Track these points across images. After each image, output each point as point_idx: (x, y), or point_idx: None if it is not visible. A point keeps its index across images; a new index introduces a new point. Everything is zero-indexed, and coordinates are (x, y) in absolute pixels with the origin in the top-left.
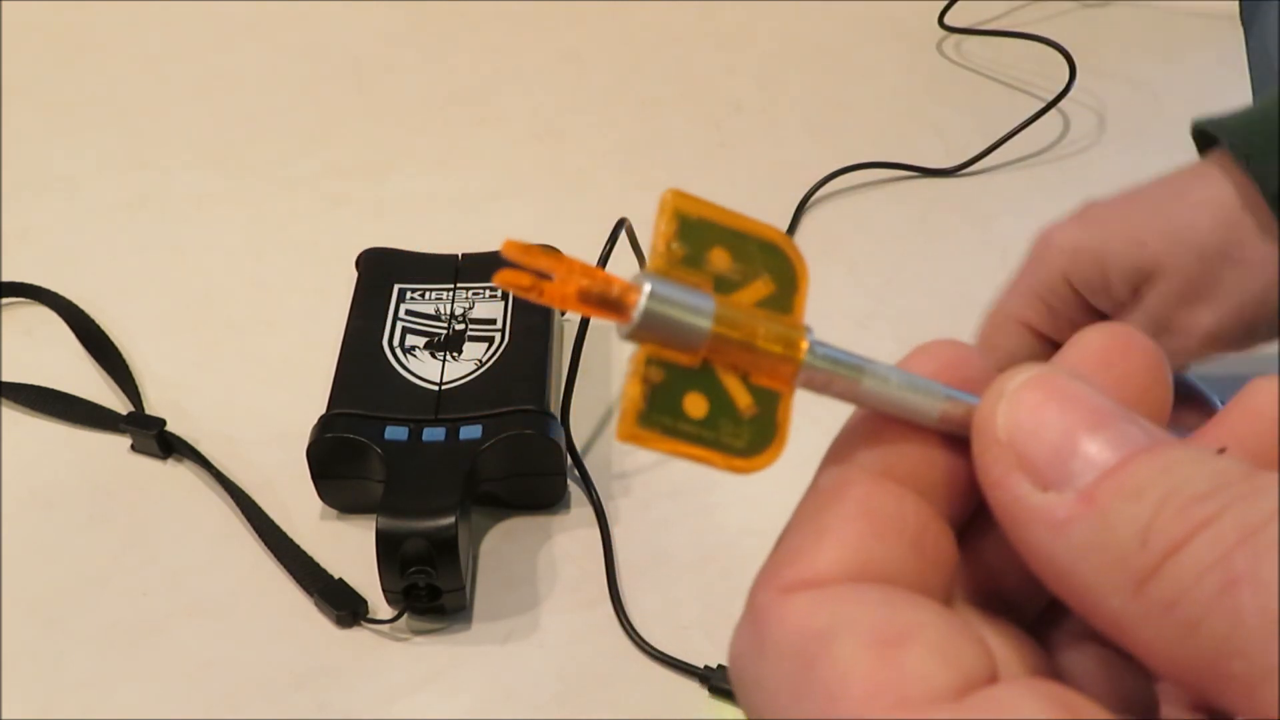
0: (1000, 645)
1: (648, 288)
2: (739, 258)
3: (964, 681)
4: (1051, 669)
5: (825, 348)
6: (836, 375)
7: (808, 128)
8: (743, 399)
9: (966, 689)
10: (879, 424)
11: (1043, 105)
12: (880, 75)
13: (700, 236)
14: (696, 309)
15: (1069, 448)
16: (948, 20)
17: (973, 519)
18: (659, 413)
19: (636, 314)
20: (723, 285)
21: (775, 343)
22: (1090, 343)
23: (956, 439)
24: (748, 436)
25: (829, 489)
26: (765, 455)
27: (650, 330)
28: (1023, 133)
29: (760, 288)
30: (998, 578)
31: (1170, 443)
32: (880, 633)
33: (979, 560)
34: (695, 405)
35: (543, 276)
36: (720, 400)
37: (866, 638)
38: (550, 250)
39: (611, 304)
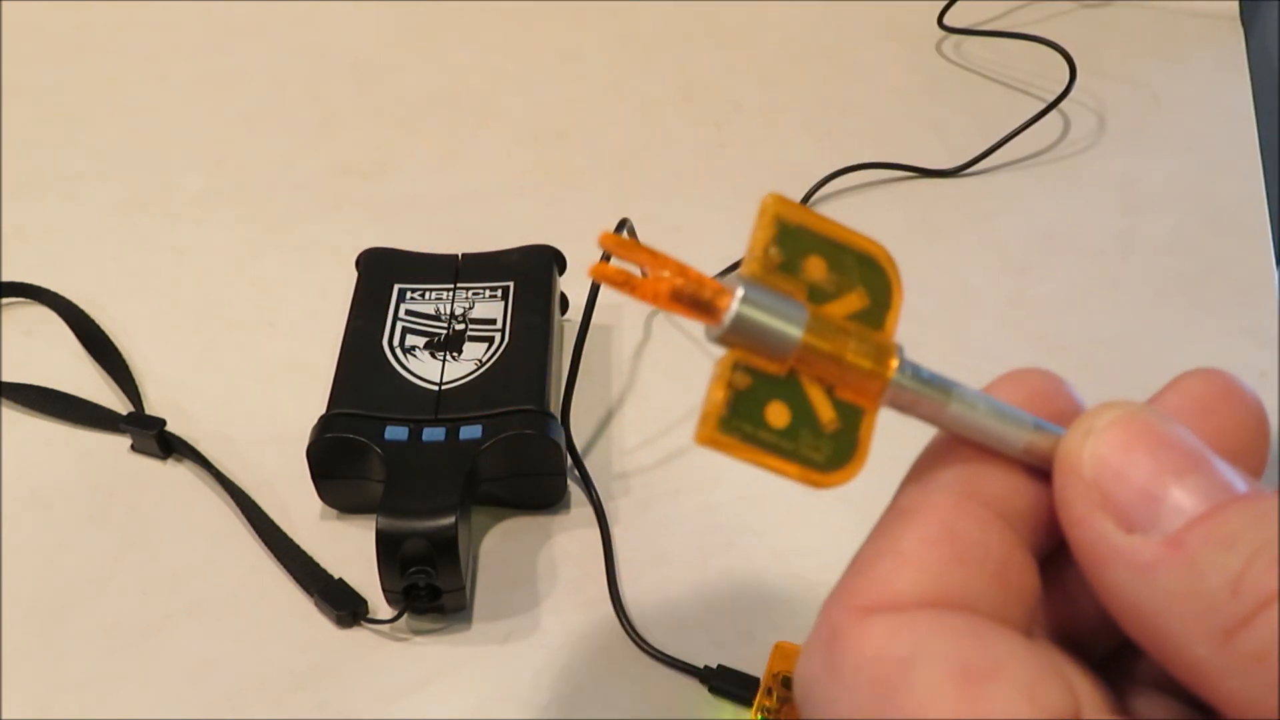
0: (1078, 683)
1: (740, 292)
2: (835, 268)
3: None
4: (1120, 709)
5: (915, 367)
6: (923, 396)
7: (808, 128)
8: (826, 412)
9: None
10: (964, 446)
11: (1043, 106)
12: (880, 75)
13: (798, 244)
14: (788, 317)
15: (1157, 491)
16: (947, 21)
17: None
18: (740, 419)
19: (727, 318)
20: (816, 295)
21: (865, 358)
22: (1191, 388)
23: (1043, 470)
24: (828, 450)
25: (911, 509)
26: (844, 471)
27: (739, 335)
28: (1023, 133)
29: (854, 301)
30: (1068, 616)
31: (1263, 493)
32: (965, 665)
33: (1051, 597)
34: (777, 414)
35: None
36: (803, 411)
37: (951, 669)
38: (647, 247)
39: (703, 305)
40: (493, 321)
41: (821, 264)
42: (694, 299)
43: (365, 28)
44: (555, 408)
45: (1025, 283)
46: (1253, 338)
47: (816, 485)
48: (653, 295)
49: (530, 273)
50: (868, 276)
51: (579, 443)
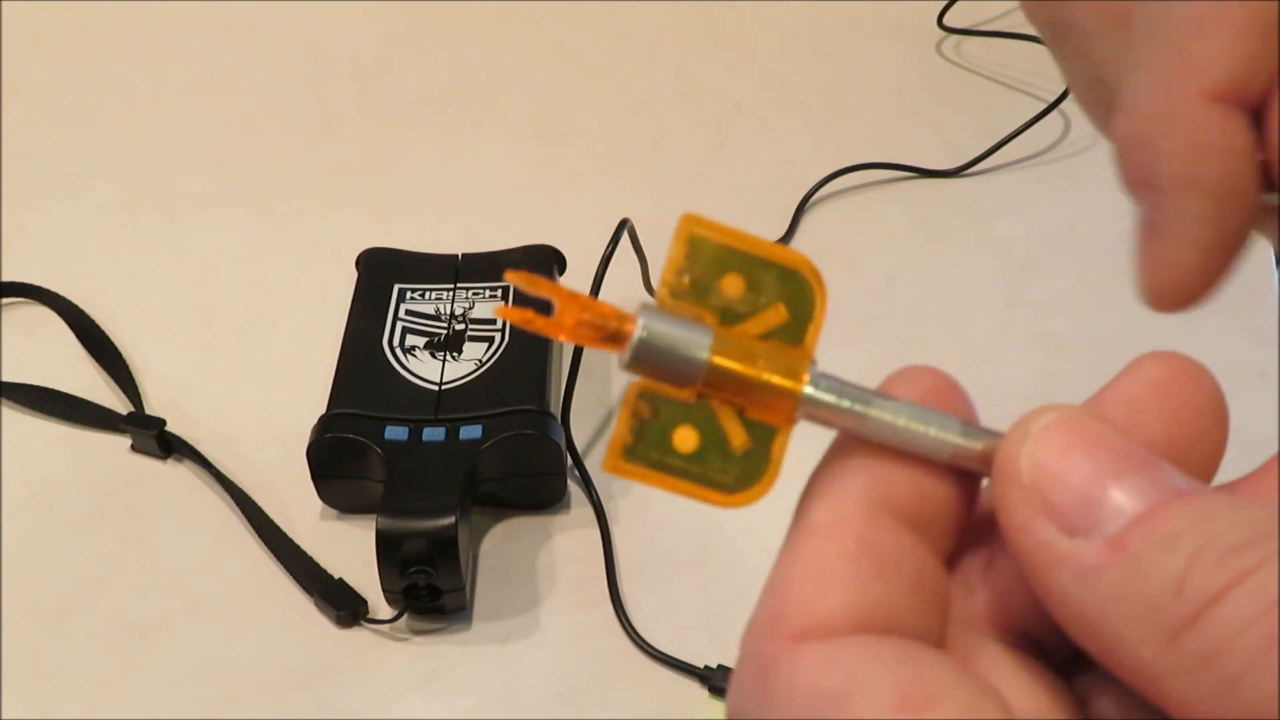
0: (1027, 689)
1: (642, 321)
2: (752, 285)
3: None
4: (1081, 713)
5: (829, 380)
6: (839, 411)
7: (808, 128)
8: (736, 435)
9: None
10: (867, 452)
11: (1043, 106)
12: (880, 75)
13: (713, 263)
14: (692, 343)
15: (1097, 493)
16: (947, 21)
17: (997, 556)
18: (646, 446)
19: (629, 347)
20: (730, 315)
21: (774, 375)
22: (1146, 373)
23: (947, 467)
24: (736, 472)
25: (823, 525)
26: (752, 491)
27: (644, 362)
28: (1023, 133)
29: (771, 316)
30: (1025, 618)
31: (1203, 490)
32: (903, 694)
33: (1008, 599)
34: (685, 439)
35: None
36: (713, 435)
37: (889, 700)
38: (551, 282)
39: (610, 336)
40: (493, 321)
41: (739, 282)
42: (600, 331)
43: (365, 28)
44: (555, 408)
45: (1025, 283)
46: (1253, 338)
47: (722, 506)
48: (557, 329)
49: (530, 272)
50: (788, 290)
51: (579, 443)
